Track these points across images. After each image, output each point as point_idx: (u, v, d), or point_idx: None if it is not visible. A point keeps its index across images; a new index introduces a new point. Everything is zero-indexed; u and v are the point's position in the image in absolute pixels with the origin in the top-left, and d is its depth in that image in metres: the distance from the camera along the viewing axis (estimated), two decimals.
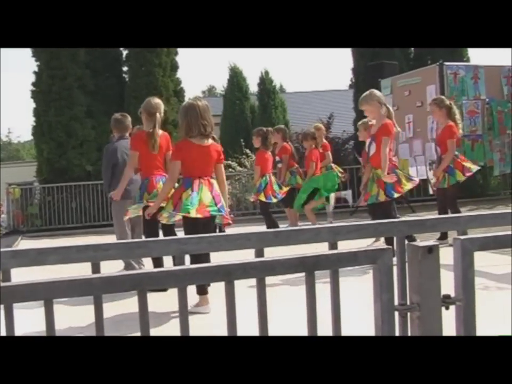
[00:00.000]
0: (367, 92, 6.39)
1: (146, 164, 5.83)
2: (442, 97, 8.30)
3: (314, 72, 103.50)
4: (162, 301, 4.48)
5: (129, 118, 7.02)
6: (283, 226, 10.20)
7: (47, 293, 1.26)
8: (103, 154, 7.15)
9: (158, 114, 5.76)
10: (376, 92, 6.43)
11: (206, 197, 4.88)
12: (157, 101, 5.96)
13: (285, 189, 9.12)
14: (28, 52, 14.58)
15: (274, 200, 8.97)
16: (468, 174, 7.57)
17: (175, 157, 5.06)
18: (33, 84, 14.13)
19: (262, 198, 8.82)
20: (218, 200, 4.94)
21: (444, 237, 6.86)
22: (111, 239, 10.20)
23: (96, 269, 1.44)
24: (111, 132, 7.27)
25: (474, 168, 7.70)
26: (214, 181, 5.05)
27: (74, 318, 4.56)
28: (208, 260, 4.34)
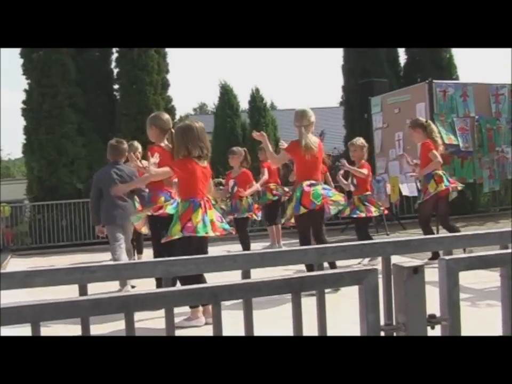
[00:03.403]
0: (299, 109, 6.27)
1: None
2: (417, 118, 8.17)
3: (305, 90, 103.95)
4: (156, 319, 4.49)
5: (125, 145, 6.97)
6: (266, 245, 10.20)
7: (34, 316, 1.26)
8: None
9: (172, 130, 5.75)
10: (307, 112, 6.21)
11: (214, 217, 4.95)
12: (167, 116, 6.01)
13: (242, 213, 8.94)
14: (18, 70, 14.55)
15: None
16: (426, 198, 7.48)
17: (179, 172, 4.98)
18: (24, 102, 14.11)
19: None
20: (221, 218, 5.05)
21: (435, 256, 6.81)
22: (101, 257, 10.18)
23: (83, 291, 1.44)
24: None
25: (434, 190, 7.41)
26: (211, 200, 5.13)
27: None
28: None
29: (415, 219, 12.79)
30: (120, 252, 6.63)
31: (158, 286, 5.17)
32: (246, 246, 9.01)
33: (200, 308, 4.90)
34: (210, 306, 4.81)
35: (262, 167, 9.74)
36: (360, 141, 8.12)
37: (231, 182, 9.06)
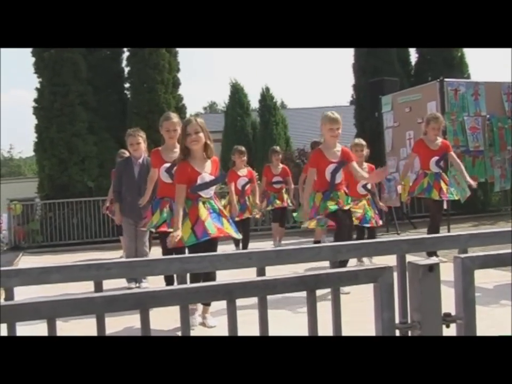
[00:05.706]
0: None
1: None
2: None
3: (315, 89, 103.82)
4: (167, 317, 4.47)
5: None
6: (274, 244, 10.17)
7: (50, 312, 1.27)
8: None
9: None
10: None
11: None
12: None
13: (247, 214, 8.91)
14: (30, 68, 14.61)
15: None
16: (444, 198, 7.59)
17: None
18: (35, 101, 14.16)
19: None
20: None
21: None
22: (112, 255, 10.20)
23: (98, 287, 1.45)
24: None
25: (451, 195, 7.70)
26: None
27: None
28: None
29: (425, 218, 12.77)
30: None
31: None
32: (245, 246, 9.00)
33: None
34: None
35: (264, 174, 9.86)
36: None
37: (243, 180, 8.97)
